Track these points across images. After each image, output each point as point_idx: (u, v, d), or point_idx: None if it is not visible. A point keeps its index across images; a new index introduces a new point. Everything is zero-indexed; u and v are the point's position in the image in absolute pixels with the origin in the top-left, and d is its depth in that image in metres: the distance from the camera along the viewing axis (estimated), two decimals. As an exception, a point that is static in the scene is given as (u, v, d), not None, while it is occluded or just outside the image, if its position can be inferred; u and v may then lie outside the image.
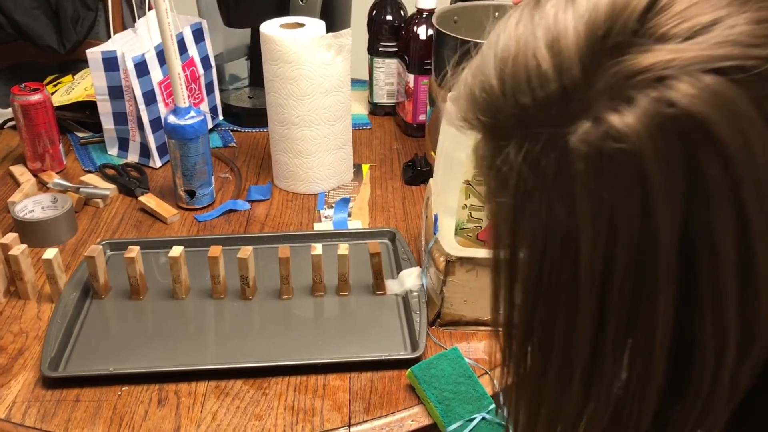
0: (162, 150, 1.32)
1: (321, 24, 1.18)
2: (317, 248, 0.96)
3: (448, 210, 0.90)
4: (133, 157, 1.34)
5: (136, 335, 0.92)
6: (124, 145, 1.34)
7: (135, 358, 0.88)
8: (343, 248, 0.96)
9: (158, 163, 1.32)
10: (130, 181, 1.25)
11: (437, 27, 1.19)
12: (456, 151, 0.88)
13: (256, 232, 1.14)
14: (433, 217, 0.95)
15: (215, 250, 0.96)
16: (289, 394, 0.84)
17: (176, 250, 0.96)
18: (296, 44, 1.12)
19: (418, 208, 1.21)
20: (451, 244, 0.91)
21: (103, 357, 0.88)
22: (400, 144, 1.44)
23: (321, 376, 0.86)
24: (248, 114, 1.49)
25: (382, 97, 1.53)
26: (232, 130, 1.48)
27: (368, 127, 1.50)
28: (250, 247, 0.96)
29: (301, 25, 1.18)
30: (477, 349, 0.91)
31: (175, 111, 1.13)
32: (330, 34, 1.13)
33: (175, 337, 0.92)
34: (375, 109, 1.55)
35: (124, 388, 0.84)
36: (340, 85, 1.18)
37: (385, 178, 1.31)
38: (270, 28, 1.16)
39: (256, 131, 1.48)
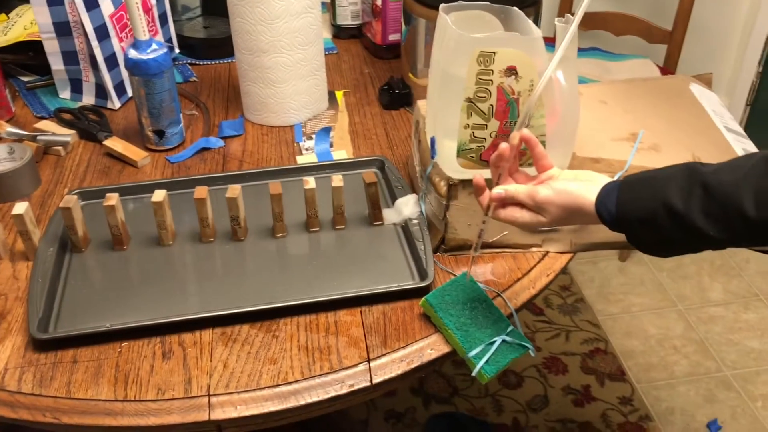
0: (120, 89, 1.23)
1: (285, -60, 1.09)
2: (310, 182, 0.91)
3: (447, 131, 0.86)
4: (88, 99, 1.24)
5: (127, 287, 0.86)
6: (77, 86, 1.24)
7: (130, 311, 0.82)
8: (337, 180, 0.92)
9: (117, 104, 1.23)
10: (90, 125, 1.16)
11: (409, -63, 1.11)
12: (453, 67, 0.83)
13: (236, 169, 1.08)
14: (429, 140, 0.91)
15: (201, 191, 0.90)
16: (301, 335, 0.80)
17: (159, 194, 0.89)
18: (262, -37, 1.03)
19: (402, 132, 1.16)
20: (453, 167, 0.87)
21: (95, 313, 0.82)
22: (370, 67, 1.37)
23: (331, 313, 0.83)
24: (205, 45, 1.40)
25: (346, 19, 1.45)
26: (190, 64, 1.38)
27: (334, 52, 1.43)
28: (239, 186, 0.91)
29: (264, -58, 1.09)
30: (485, 271, 0.89)
31: (136, 45, 1.04)
32: (297, -50, 1.04)
33: (169, 286, 0.86)
34: (339, 32, 1.48)
35: (123, 344, 0.79)
36: (310, 5, 1.10)
37: (362, 104, 1.25)
38: (230, -53, 1.07)
39: (216, 63, 1.39)
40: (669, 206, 0.62)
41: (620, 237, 0.94)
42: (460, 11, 0.88)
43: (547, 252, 0.92)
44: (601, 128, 0.99)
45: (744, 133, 1.01)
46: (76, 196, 0.89)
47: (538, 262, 0.90)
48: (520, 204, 0.73)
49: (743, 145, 0.97)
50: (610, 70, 1.89)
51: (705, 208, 0.61)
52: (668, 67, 2.03)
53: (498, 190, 0.73)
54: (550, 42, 0.80)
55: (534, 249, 0.92)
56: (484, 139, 0.84)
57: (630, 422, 1.62)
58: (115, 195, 0.89)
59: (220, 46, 1.38)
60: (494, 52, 0.79)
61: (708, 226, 0.61)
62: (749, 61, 2.37)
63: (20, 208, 0.87)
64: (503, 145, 0.71)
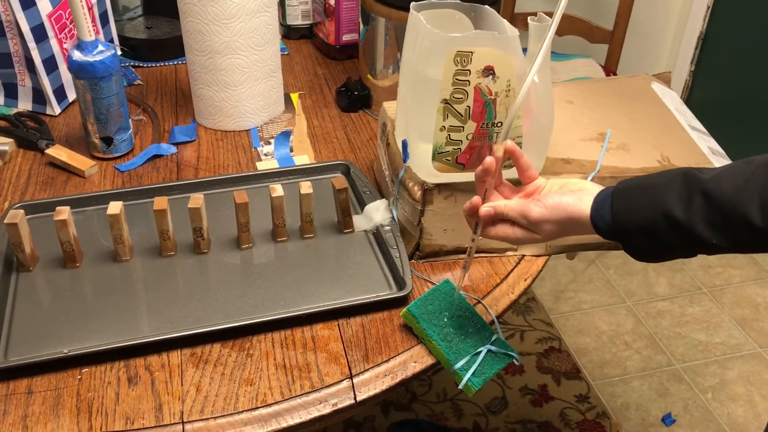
0: (59, 94, 1.15)
1: (238, -64, 1.04)
2: (278, 189, 0.87)
3: (422, 134, 0.83)
4: (24, 104, 1.16)
5: (84, 308, 0.80)
6: (11, 91, 1.15)
7: (89, 334, 0.76)
8: (306, 187, 0.87)
9: (57, 110, 1.15)
10: (29, 132, 1.08)
11: (366, -66, 1.08)
12: (428, 68, 0.80)
13: (193, 177, 1.02)
14: (401, 143, 0.88)
15: (161, 202, 0.84)
16: (277, 352, 0.76)
17: (115, 206, 0.83)
18: (216, -40, 0.98)
19: (363, 135, 1.13)
20: (429, 171, 0.84)
21: (49, 338, 0.76)
22: (324, 68, 1.33)
23: (307, 327, 0.79)
24: (148, 46, 1.32)
25: (296, 19, 1.41)
26: (133, 66, 1.31)
27: (285, 53, 1.38)
28: (201, 195, 0.85)
29: (216, -63, 1.03)
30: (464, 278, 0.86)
31: (80, 46, 0.97)
32: (253, -54, 0.99)
33: (131, 305, 0.80)
34: (289, 32, 1.43)
35: (84, 370, 0.73)
36: (266, 3, 1.05)
37: (319, 106, 1.21)
38: (180, -58, 1.01)
39: (162, 65, 1.32)
40: (669, 216, 0.61)
41: (594, 238, 0.93)
42: (431, 9, 0.85)
43: (523, 255, 0.90)
44: (570, 128, 0.98)
45: (706, 131, 1.02)
46: (22, 211, 0.82)
47: (515, 266, 0.89)
48: (511, 221, 0.70)
49: (708, 144, 0.98)
50: (556, 70, 1.91)
51: (707, 217, 0.59)
52: (609, 66, 2.06)
53: (486, 209, 0.70)
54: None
55: (510, 253, 0.90)
56: (461, 141, 0.82)
57: (588, 420, 1.63)
58: (66, 208, 0.83)
59: (165, 47, 1.31)
60: (471, 52, 0.77)
61: (711, 234, 0.59)
62: (682, 60, 2.44)
63: (-41, 225, 0.80)
64: (488, 159, 0.68)
